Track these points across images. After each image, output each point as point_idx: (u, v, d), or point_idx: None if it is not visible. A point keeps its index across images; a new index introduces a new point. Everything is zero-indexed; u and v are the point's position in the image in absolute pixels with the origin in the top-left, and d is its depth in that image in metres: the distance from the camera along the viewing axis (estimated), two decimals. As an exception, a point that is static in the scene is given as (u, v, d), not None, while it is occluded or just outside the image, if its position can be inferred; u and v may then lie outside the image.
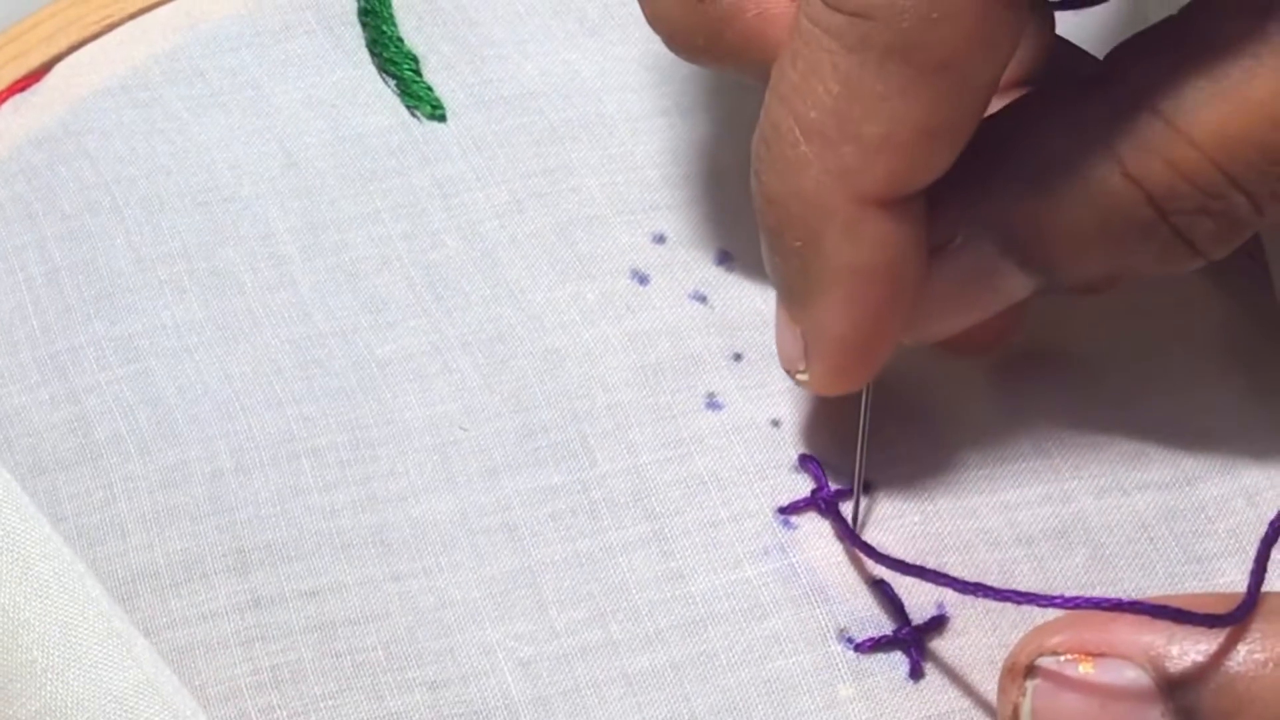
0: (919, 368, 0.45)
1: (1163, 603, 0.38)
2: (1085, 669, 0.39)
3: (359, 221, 0.48)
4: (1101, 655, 0.39)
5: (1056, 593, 0.39)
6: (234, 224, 0.47)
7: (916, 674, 0.42)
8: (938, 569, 0.42)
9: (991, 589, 0.40)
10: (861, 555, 0.43)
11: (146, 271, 0.46)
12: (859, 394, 0.43)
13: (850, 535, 0.43)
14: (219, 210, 0.47)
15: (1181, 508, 0.44)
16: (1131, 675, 0.38)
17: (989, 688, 0.42)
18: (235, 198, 0.48)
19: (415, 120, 0.50)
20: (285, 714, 0.41)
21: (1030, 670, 0.39)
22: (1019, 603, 0.39)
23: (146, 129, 0.49)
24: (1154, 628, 0.39)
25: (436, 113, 0.50)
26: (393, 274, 0.47)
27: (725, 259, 0.47)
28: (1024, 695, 0.39)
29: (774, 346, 0.43)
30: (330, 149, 0.49)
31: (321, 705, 0.41)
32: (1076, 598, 0.39)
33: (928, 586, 0.43)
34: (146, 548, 0.42)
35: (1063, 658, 0.39)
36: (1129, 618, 0.39)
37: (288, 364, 0.45)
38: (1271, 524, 0.39)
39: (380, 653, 0.41)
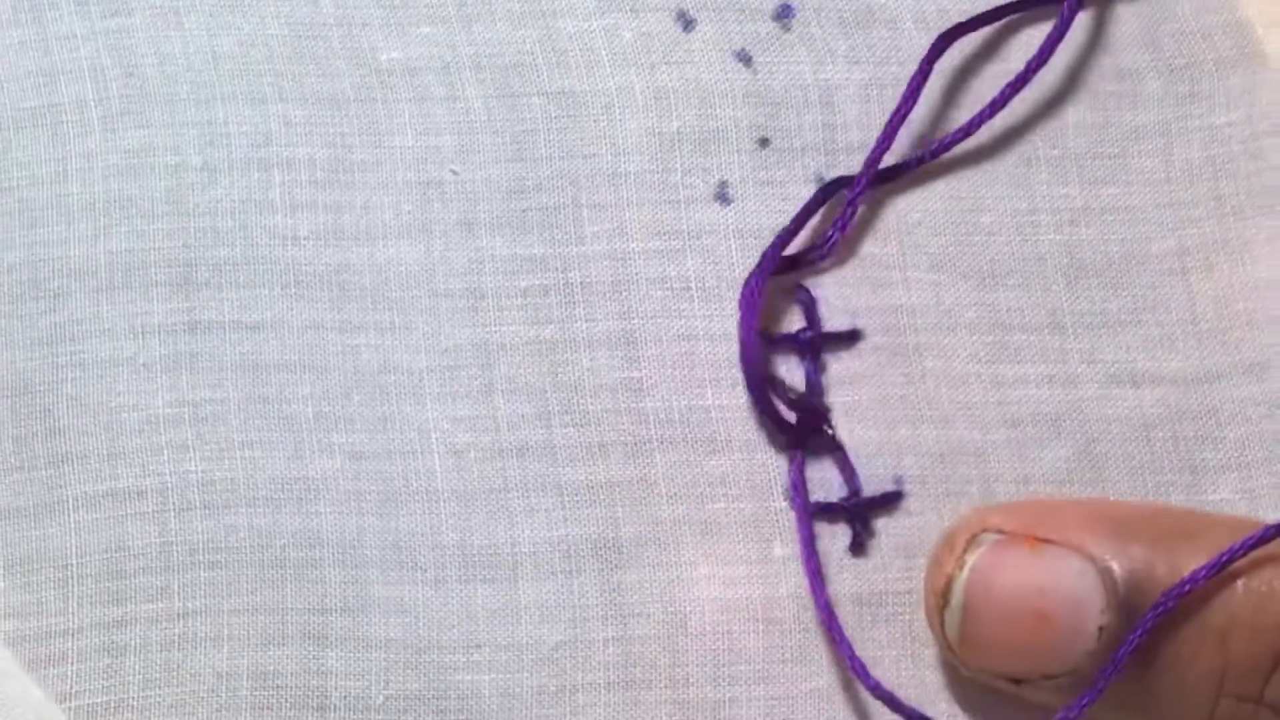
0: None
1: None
2: (1029, 553, 0.38)
3: None
4: (1048, 543, 0.38)
5: None
6: None
7: (858, 548, 0.40)
8: (909, 439, 0.40)
9: None
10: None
11: None
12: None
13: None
14: None
15: (1192, 409, 0.41)
16: (1076, 567, 0.37)
17: (930, 574, 0.40)
18: None
19: None
20: (198, 456, 0.39)
21: (970, 546, 0.38)
22: None
23: None
24: (1104, 529, 0.38)
25: None
26: None
27: (786, 13, 0.43)
28: (960, 569, 0.38)
29: (805, 137, 0.41)
30: None
31: (237, 454, 0.39)
32: None
33: (889, 457, 0.40)
34: (90, 239, 0.40)
35: (1006, 538, 0.38)
36: (1079, 513, 0.38)
37: (281, 53, 0.41)
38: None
39: (309, 408, 0.39)
